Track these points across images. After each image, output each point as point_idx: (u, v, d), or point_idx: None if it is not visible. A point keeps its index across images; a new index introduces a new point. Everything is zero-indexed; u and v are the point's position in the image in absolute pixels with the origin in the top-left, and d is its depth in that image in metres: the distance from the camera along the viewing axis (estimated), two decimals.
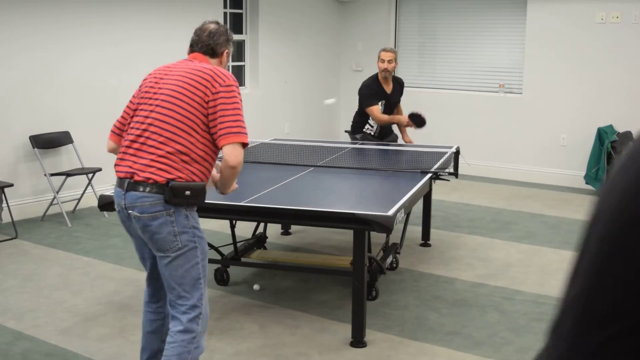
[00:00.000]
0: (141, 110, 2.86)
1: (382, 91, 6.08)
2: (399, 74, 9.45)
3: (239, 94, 2.87)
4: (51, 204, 6.37)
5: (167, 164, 2.74)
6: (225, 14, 8.30)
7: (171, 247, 2.77)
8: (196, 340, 2.85)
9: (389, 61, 5.97)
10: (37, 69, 6.32)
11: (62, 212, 6.22)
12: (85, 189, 6.60)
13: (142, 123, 2.82)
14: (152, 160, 2.74)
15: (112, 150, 3.05)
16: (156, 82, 2.89)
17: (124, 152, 2.85)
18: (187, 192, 2.74)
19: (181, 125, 2.76)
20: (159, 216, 2.73)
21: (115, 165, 2.87)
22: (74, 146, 6.59)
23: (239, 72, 8.73)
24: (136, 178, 2.75)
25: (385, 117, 6.09)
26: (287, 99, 9.11)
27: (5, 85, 6.13)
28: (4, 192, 5.85)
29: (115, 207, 2.90)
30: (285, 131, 9.06)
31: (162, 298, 3.04)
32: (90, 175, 6.49)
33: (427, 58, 9.26)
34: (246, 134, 2.81)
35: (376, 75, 6.12)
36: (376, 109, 6.04)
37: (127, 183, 2.77)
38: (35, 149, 6.25)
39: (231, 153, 2.76)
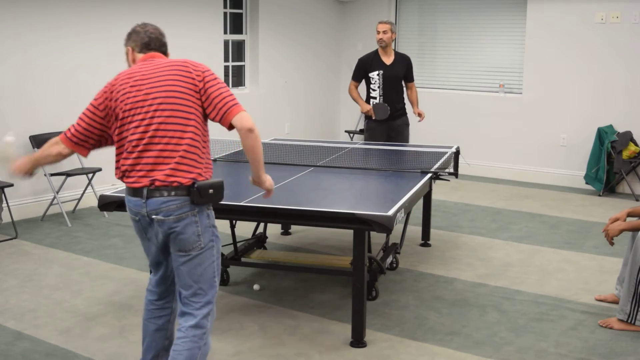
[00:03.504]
0: (135, 121, 2.80)
1: (379, 61, 6.34)
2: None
3: (216, 75, 2.91)
4: (51, 204, 6.37)
5: (187, 163, 2.76)
6: (225, 14, 8.30)
7: (194, 246, 2.81)
8: (206, 336, 2.89)
9: (384, 32, 6.25)
10: (36, 68, 6.32)
11: (62, 212, 6.22)
12: (85, 189, 6.60)
13: (146, 132, 2.77)
14: (172, 165, 2.74)
15: (60, 154, 2.98)
16: (139, 91, 2.82)
17: (131, 163, 2.79)
18: (211, 191, 2.78)
19: (187, 122, 2.77)
20: (184, 217, 2.76)
21: (124, 177, 2.83)
22: None
23: (239, 72, 8.74)
24: (157, 184, 2.74)
25: (354, 94, 6.43)
26: (287, 98, 9.11)
27: (5, 85, 6.13)
28: (4, 192, 5.85)
29: (133, 216, 2.88)
30: (285, 131, 9.06)
31: (171, 294, 3.07)
32: (90, 175, 6.49)
33: (427, 58, 9.25)
34: (239, 104, 2.85)
35: (377, 49, 6.43)
36: (351, 84, 6.46)
37: (147, 190, 2.76)
38: (36, 149, 6.25)
39: (242, 119, 2.78)
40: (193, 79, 2.81)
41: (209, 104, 2.81)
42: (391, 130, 6.35)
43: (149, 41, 2.98)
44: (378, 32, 6.29)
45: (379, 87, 6.32)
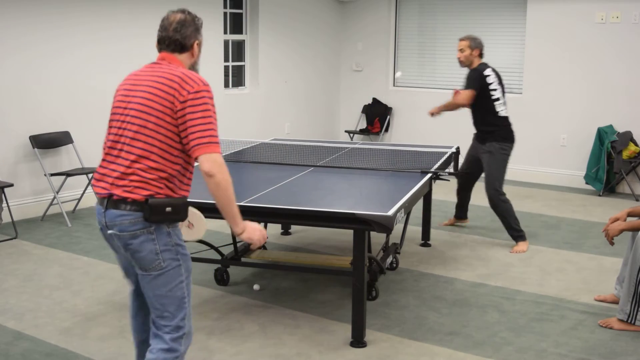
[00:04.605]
0: (114, 127, 2.71)
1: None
2: (401, 72, 9.50)
3: (211, 98, 2.65)
4: (51, 204, 6.37)
5: (144, 181, 2.60)
6: (225, 14, 8.31)
7: (153, 265, 2.65)
8: None
9: (460, 50, 5.65)
10: (36, 68, 6.31)
11: (62, 212, 6.22)
12: (85, 189, 6.60)
13: (117, 142, 2.68)
14: (129, 180, 2.61)
15: None
16: (126, 95, 2.72)
17: (101, 172, 2.71)
18: (168, 209, 2.61)
19: (154, 141, 2.61)
20: (139, 234, 2.62)
21: (93, 185, 2.74)
22: (74, 146, 6.59)
23: (239, 72, 8.73)
24: (115, 197, 2.62)
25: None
26: (287, 98, 9.11)
27: (5, 85, 6.13)
28: (4, 192, 5.85)
29: (98, 224, 2.76)
30: (285, 131, 9.06)
31: (149, 314, 2.88)
32: (90, 175, 6.49)
33: (427, 58, 9.25)
34: (217, 143, 2.61)
35: None
36: None
37: (107, 201, 2.64)
38: (35, 149, 6.25)
39: (203, 162, 2.57)
40: (174, 97, 2.60)
41: (184, 129, 2.60)
42: (479, 153, 5.74)
43: (159, 39, 2.79)
44: (458, 51, 5.68)
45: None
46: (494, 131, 5.64)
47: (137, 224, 2.61)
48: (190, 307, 2.77)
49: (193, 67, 2.83)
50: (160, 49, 2.80)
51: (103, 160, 2.72)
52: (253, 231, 2.79)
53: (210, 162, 2.57)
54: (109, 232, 2.66)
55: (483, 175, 5.70)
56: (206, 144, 2.58)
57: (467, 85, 5.69)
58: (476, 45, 5.61)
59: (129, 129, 2.64)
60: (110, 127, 2.75)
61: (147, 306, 2.87)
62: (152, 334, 2.77)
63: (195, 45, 2.80)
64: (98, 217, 2.73)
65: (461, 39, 5.66)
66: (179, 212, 2.66)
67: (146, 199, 2.60)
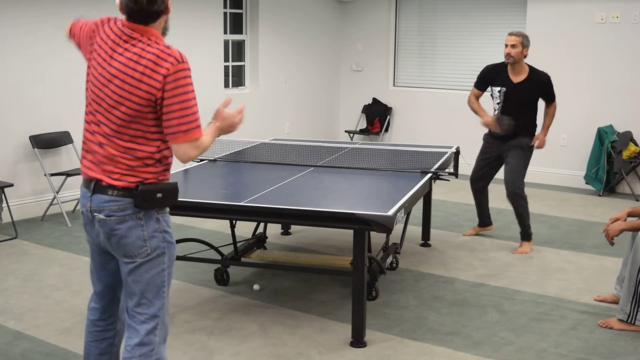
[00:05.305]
0: (92, 108, 2.62)
1: (504, 76, 5.46)
2: (399, 73, 9.53)
3: (186, 77, 2.50)
4: (51, 204, 6.37)
5: (132, 168, 2.56)
6: (225, 14, 8.31)
7: (139, 252, 2.59)
8: (154, 353, 2.65)
9: (512, 46, 5.31)
10: (36, 68, 6.31)
11: (62, 212, 6.22)
12: None
13: (97, 125, 2.60)
14: (116, 167, 2.57)
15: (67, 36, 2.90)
16: (102, 75, 2.58)
17: (85, 155, 2.68)
18: (159, 195, 2.57)
19: (136, 132, 2.53)
20: (128, 219, 2.56)
21: (81, 165, 2.70)
22: (74, 146, 6.59)
23: (239, 72, 8.73)
24: (103, 184, 2.59)
25: (474, 105, 5.60)
26: (287, 98, 9.11)
27: (5, 85, 6.13)
28: (4, 192, 5.85)
29: (80, 207, 2.71)
30: (285, 131, 9.06)
31: (114, 314, 2.84)
32: None
33: (427, 58, 9.25)
34: (197, 127, 2.51)
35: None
36: (472, 93, 5.63)
37: (94, 185, 2.61)
38: (35, 149, 6.25)
39: (178, 151, 2.54)
40: (152, 86, 2.48)
41: (164, 114, 2.50)
42: (504, 150, 5.66)
43: (131, 12, 2.59)
44: (506, 46, 5.35)
45: (498, 103, 5.50)
46: (530, 127, 5.59)
47: (127, 210, 2.57)
48: (168, 299, 2.71)
49: (166, 23, 2.68)
50: (130, 20, 2.61)
51: (87, 152, 2.66)
52: (228, 127, 2.71)
53: (180, 154, 2.53)
54: (94, 215, 2.60)
55: (504, 169, 5.69)
56: (184, 132, 2.50)
57: (550, 94, 5.65)
58: (527, 44, 5.39)
59: (109, 119, 2.56)
60: (89, 104, 2.65)
61: (112, 307, 2.81)
62: (125, 326, 2.71)
63: (168, 4, 2.63)
64: (82, 201, 2.67)
65: (513, 34, 5.38)
66: (170, 197, 2.62)
67: (136, 186, 2.55)
